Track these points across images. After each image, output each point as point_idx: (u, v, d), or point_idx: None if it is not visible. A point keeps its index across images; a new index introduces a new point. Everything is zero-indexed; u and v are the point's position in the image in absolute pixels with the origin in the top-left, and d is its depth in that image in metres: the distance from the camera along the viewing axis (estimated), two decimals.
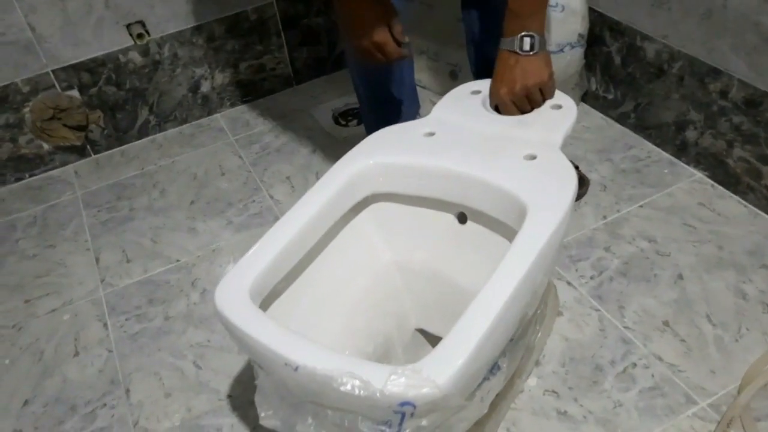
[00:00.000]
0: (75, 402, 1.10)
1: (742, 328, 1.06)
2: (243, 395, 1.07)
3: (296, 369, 0.63)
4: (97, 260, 1.38)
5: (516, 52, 0.94)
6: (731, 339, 1.05)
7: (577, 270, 1.19)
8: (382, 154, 0.91)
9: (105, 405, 1.09)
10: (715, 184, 1.33)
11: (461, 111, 0.97)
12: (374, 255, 0.98)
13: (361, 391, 0.59)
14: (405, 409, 0.59)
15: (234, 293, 0.73)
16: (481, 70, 1.22)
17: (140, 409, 1.07)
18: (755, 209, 1.26)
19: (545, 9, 0.96)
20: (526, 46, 0.94)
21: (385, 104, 1.29)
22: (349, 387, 0.60)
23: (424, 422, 0.61)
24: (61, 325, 1.24)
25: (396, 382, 0.59)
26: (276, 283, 0.80)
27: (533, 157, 0.86)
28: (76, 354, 1.18)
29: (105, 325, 1.23)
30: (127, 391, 1.11)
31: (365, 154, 0.91)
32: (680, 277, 1.15)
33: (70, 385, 1.13)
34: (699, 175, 1.36)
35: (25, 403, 1.11)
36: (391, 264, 0.98)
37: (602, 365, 1.04)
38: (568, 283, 1.17)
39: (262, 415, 0.72)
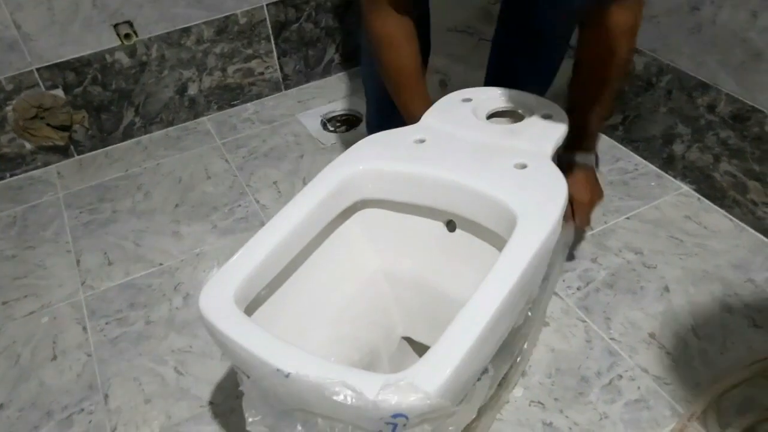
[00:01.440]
0: (51, 407, 1.07)
1: (727, 342, 1.06)
2: (224, 403, 1.05)
3: (287, 376, 0.62)
4: (78, 262, 1.36)
5: (593, 169, 1.09)
6: (716, 352, 1.05)
7: (564, 281, 1.19)
8: (371, 160, 0.90)
9: (82, 410, 1.06)
10: (702, 198, 1.33)
11: (452, 119, 0.97)
12: (361, 262, 0.97)
13: (354, 401, 0.58)
14: (398, 421, 0.58)
15: (219, 299, 0.71)
16: (498, 80, 1.23)
17: (118, 416, 1.05)
18: (741, 223, 1.26)
19: None
20: (594, 164, 1.10)
21: (393, 106, 1.28)
22: (341, 396, 0.58)
23: None
24: (39, 328, 1.22)
25: (389, 393, 0.58)
26: (261, 289, 0.79)
27: (524, 166, 0.86)
28: (54, 358, 1.16)
29: (84, 328, 1.21)
30: (106, 396, 1.08)
31: (354, 160, 0.90)
32: (666, 289, 1.15)
33: (47, 389, 1.10)
34: (686, 188, 1.36)
35: (0, 407, 1.08)
36: (379, 271, 0.97)
37: (588, 377, 1.03)
38: (555, 294, 1.17)
39: (250, 420, 0.71)
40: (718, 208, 1.30)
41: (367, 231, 0.96)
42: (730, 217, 1.28)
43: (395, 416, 0.58)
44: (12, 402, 1.09)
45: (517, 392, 1.02)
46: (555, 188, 0.82)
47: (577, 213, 1.07)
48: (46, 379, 1.12)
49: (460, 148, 0.90)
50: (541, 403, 1.00)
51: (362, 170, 0.89)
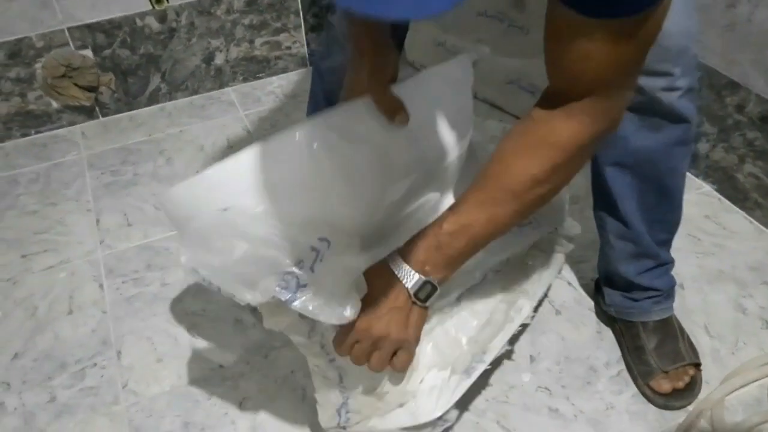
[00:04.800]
0: (65, 359, 1.09)
1: (739, 342, 1.06)
2: (235, 367, 1.06)
3: (226, 210, 0.65)
4: (98, 221, 1.37)
5: (407, 292, 0.70)
6: (728, 352, 1.04)
7: (578, 271, 1.19)
8: None
9: (95, 365, 1.08)
10: (723, 198, 1.32)
11: None
12: None
13: (278, 230, 0.64)
14: (321, 246, 0.65)
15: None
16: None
17: (130, 372, 1.07)
18: (761, 226, 1.26)
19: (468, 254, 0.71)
20: (423, 294, 0.71)
21: None
22: (267, 227, 0.64)
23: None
24: (57, 282, 1.24)
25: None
26: None
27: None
28: (70, 312, 1.18)
29: (101, 286, 1.22)
30: (119, 353, 1.10)
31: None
32: (681, 286, 1.15)
33: (62, 342, 1.12)
34: (707, 187, 1.35)
35: (15, 356, 1.10)
36: None
37: (597, 366, 1.03)
38: (569, 284, 1.17)
39: (184, 258, 0.71)
40: (739, 210, 1.30)
41: None
42: (751, 219, 1.27)
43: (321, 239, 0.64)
44: (27, 352, 1.11)
45: (525, 377, 1.02)
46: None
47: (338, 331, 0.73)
48: (61, 333, 1.14)
49: None
50: (548, 389, 1.00)
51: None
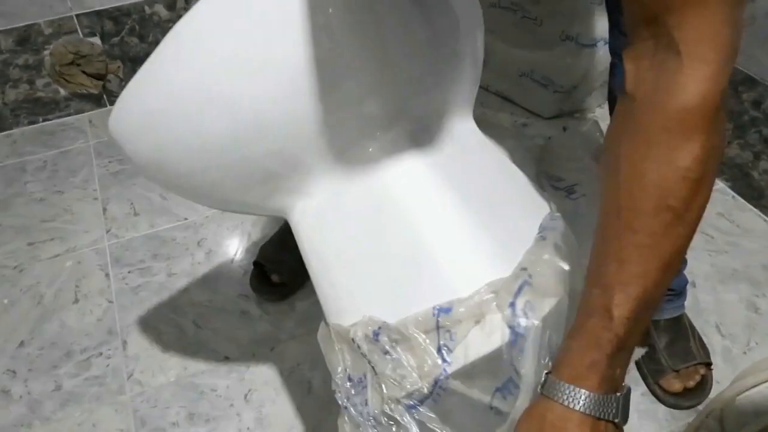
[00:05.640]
0: (71, 348, 1.09)
1: (752, 342, 1.04)
2: (240, 358, 1.06)
3: None
4: (105, 210, 1.37)
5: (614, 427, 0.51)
6: (739, 351, 1.03)
7: None
8: None
9: (101, 354, 1.08)
10: (737, 196, 1.30)
11: None
12: None
13: None
14: None
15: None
16: None
17: (136, 362, 1.06)
18: None
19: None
20: (629, 409, 0.52)
21: None
22: None
23: None
24: (63, 271, 1.23)
25: None
26: None
27: None
28: (76, 301, 1.17)
29: (107, 275, 1.22)
30: (124, 342, 1.09)
31: None
32: (693, 285, 1.13)
33: (68, 331, 1.12)
34: (721, 185, 1.33)
35: (21, 344, 1.10)
36: None
37: None
38: None
39: None
40: (753, 208, 1.28)
41: None
42: (765, 217, 1.26)
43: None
44: (33, 340, 1.10)
45: None
46: None
47: None
48: (67, 321, 1.14)
49: None
50: None
51: None
